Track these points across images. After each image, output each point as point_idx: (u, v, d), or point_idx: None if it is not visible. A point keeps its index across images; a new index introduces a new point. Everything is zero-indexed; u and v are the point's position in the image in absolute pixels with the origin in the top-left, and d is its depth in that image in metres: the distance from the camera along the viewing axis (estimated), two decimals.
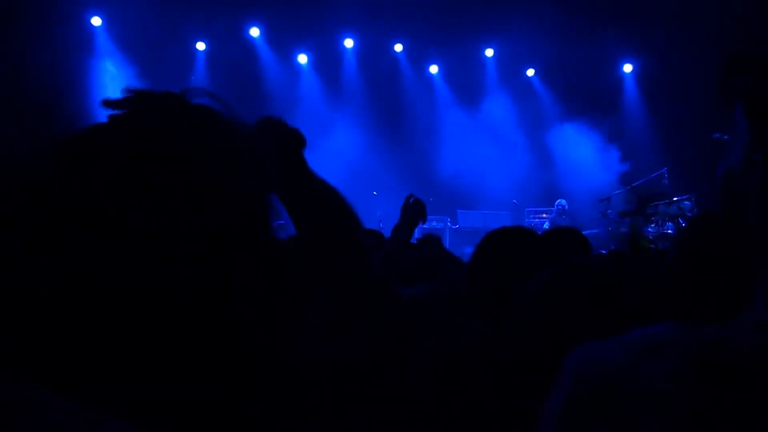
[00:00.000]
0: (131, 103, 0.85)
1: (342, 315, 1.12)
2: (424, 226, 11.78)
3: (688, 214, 8.92)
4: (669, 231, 9.11)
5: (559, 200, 11.38)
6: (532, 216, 11.86)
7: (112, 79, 11.33)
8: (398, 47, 12.72)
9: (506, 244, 2.30)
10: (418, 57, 12.84)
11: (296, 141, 1.15)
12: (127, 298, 0.73)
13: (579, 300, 1.41)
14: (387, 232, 3.50)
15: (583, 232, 3.77)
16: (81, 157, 0.83)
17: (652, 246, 9.32)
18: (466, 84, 12.85)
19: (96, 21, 11.26)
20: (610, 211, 10.68)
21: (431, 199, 12.01)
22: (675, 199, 9.23)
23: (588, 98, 12.15)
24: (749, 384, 0.59)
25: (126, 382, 0.72)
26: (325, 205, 1.16)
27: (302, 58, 12.65)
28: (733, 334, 0.63)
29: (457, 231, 11.74)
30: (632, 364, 0.63)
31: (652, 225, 9.66)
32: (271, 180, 0.87)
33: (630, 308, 1.37)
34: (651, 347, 0.64)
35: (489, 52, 12.76)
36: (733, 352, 0.61)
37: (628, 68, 12.63)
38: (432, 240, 5.18)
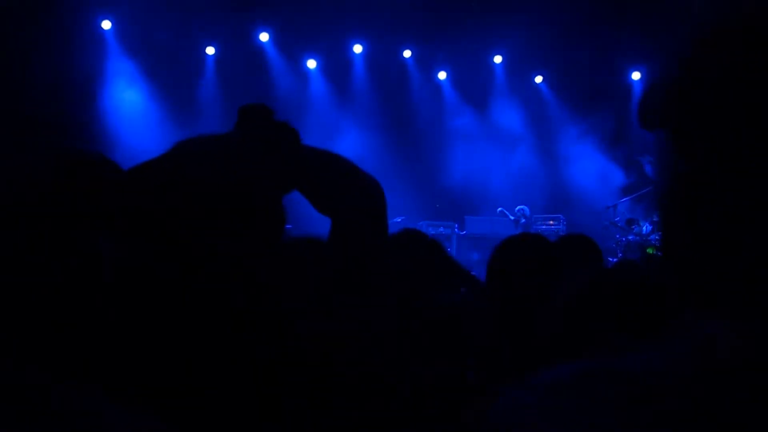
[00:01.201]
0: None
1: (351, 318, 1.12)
2: (432, 231, 11.68)
3: None
4: None
5: (519, 207, 11.36)
6: (539, 223, 11.83)
7: (121, 81, 11.38)
8: (407, 53, 12.72)
9: (521, 252, 2.31)
10: (426, 63, 12.84)
11: (288, 134, 1.11)
12: (131, 296, 0.74)
13: (613, 308, 1.41)
14: None
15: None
16: (93, 165, 0.85)
17: (659, 254, 9.27)
18: (475, 90, 12.85)
19: (106, 24, 11.30)
20: (617, 218, 10.65)
21: (437, 206, 12.01)
22: None
23: (596, 105, 12.13)
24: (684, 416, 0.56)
25: (128, 379, 0.73)
26: (337, 181, 1.13)
27: (311, 63, 12.67)
28: (657, 366, 0.59)
29: (464, 237, 11.73)
30: (550, 411, 0.59)
31: (659, 233, 9.62)
32: (277, 184, 0.88)
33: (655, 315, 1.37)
34: (567, 388, 0.60)
35: (497, 59, 12.75)
36: (660, 389, 0.58)
37: (636, 76, 12.61)
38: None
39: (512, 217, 11.38)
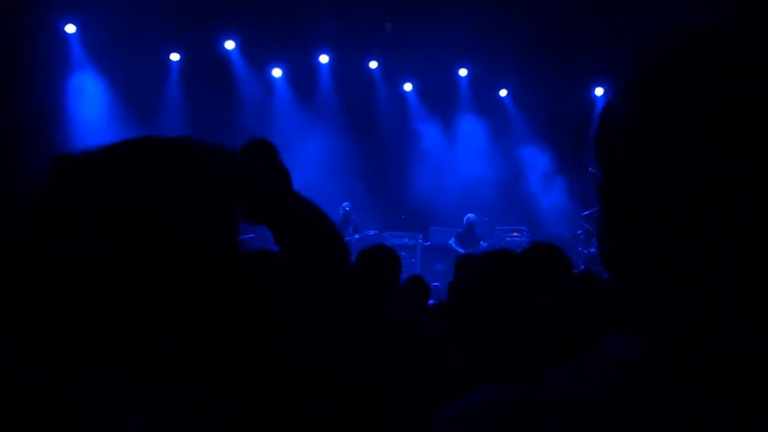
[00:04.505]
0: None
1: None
2: (396, 242, 11.62)
3: None
4: None
5: (467, 215, 11.43)
6: (504, 234, 11.91)
7: (85, 85, 11.23)
8: (373, 64, 12.77)
9: (488, 263, 2.33)
10: (392, 74, 12.90)
11: (283, 177, 1.10)
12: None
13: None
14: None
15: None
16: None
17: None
18: (440, 102, 12.95)
19: (70, 28, 11.14)
20: (580, 231, 10.78)
21: (403, 216, 12.04)
22: None
23: (559, 119, 12.29)
24: None
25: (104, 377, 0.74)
26: (312, 240, 1.13)
27: (276, 72, 12.63)
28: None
29: (428, 248, 11.77)
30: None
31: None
32: (232, 196, 0.90)
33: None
34: (488, 413, 0.60)
35: (463, 72, 12.87)
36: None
37: (599, 91, 12.80)
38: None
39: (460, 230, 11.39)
